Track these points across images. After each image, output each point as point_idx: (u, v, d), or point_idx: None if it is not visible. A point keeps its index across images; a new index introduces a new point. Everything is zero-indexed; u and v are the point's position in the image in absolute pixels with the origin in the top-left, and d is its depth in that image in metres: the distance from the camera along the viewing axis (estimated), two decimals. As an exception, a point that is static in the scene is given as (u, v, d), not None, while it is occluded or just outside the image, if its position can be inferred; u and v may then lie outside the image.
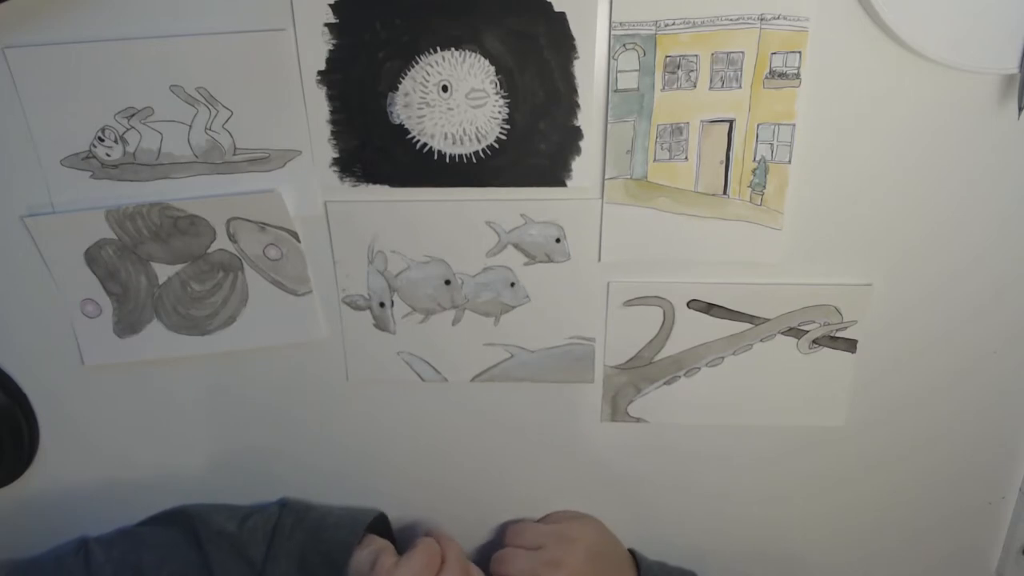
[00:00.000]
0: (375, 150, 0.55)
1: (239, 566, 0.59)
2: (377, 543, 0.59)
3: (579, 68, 0.52)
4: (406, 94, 0.53)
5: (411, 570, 0.54)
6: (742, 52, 0.51)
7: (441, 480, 0.68)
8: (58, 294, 0.59)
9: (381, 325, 0.62)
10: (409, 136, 0.54)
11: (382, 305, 0.61)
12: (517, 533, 0.64)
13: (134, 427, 0.65)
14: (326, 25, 0.51)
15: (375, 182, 0.56)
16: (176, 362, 0.62)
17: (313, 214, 0.57)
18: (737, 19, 0.50)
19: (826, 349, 0.61)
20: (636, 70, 0.52)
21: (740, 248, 0.57)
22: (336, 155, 0.55)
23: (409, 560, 0.55)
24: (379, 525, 0.64)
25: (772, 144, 0.54)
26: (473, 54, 0.52)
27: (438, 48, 0.52)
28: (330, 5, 0.51)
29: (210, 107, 0.53)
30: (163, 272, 0.59)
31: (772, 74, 0.52)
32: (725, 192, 0.55)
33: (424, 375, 0.63)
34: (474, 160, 0.55)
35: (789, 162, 0.54)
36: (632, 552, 0.67)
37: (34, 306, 0.60)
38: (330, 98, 0.53)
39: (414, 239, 0.58)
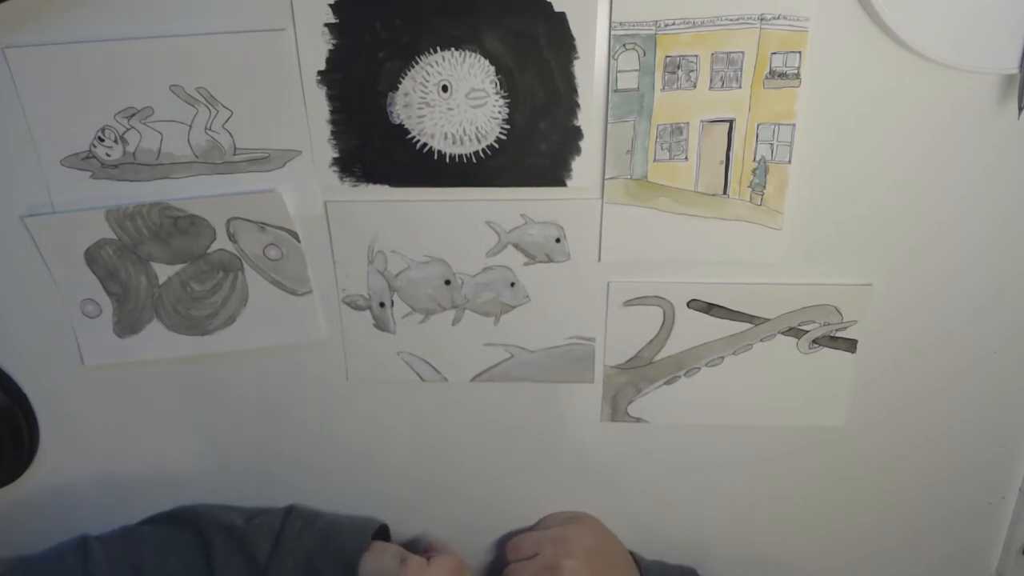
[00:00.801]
0: (375, 150, 0.55)
1: (242, 563, 0.59)
2: (392, 547, 0.61)
3: (579, 68, 0.52)
4: (406, 94, 0.53)
5: (444, 569, 0.58)
6: (742, 52, 0.51)
7: (441, 480, 0.68)
8: (58, 294, 0.59)
9: (381, 325, 0.62)
10: (409, 136, 0.54)
11: (382, 305, 0.61)
12: (515, 547, 0.64)
13: (134, 427, 0.65)
14: (326, 25, 0.51)
15: (375, 182, 0.56)
16: (176, 362, 0.62)
17: (313, 214, 0.57)
18: (737, 19, 0.50)
19: (826, 349, 0.61)
20: (636, 70, 0.52)
21: (740, 248, 0.57)
22: (336, 155, 0.55)
23: (440, 561, 0.58)
24: (381, 535, 0.65)
25: (772, 144, 0.54)
26: (473, 54, 0.52)
27: (438, 48, 0.52)
28: (330, 5, 0.51)
29: (210, 107, 0.53)
30: (163, 272, 0.59)
31: (772, 74, 0.52)
32: (725, 192, 0.55)
33: (424, 375, 0.63)
34: (474, 160, 0.55)
35: (789, 162, 0.54)
36: (632, 554, 0.67)
37: (34, 306, 0.60)
38: (330, 98, 0.53)
39: (414, 239, 0.58)
